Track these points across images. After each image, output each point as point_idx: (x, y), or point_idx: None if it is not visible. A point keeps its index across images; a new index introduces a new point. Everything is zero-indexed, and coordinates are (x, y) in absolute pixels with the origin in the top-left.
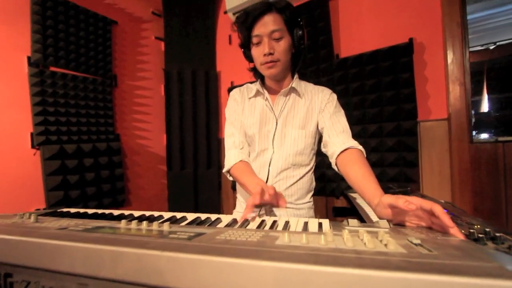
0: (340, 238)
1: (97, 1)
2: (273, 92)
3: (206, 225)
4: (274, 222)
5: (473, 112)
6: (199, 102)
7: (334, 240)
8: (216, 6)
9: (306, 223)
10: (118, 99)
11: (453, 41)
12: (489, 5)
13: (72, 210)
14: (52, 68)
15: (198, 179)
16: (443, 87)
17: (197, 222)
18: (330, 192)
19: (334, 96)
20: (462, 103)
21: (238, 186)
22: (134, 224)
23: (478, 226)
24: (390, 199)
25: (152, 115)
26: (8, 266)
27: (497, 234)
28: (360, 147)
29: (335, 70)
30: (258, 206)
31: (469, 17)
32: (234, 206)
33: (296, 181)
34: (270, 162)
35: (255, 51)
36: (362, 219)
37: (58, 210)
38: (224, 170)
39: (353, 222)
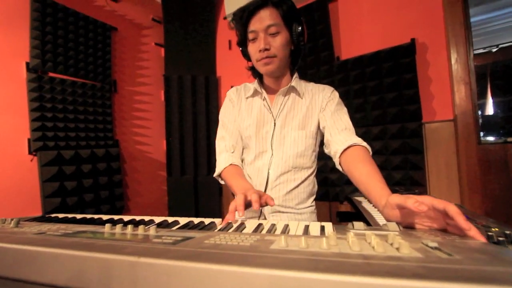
0: (344, 241)
1: (97, 8)
2: (271, 91)
3: (198, 229)
4: (273, 225)
5: (479, 113)
6: (199, 107)
7: (337, 244)
8: (216, 12)
9: (307, 227)
10: (118, 105)
11: (456, 41)
12: (490, 8)
13: (61, 215)
14: (51, 74)
15: (198, 185)
16: (448, 87)
17: (189, 226)
18: (334, 197)
19: (336, 94)
20: (468, 103)
21: None
22: (118, 228)
23: (496, 229)
24: (398, 199)
25: (152, 120)
26: None
27: None
28: (365, 143)
29: (336, 73)
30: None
31: (471, 19)
32: None
33: (297, 185)
34: (269, 165)
35: (251, 48)
36: (369, 223)
37: (47, 216)
38: (214, 175)
39: (359, 225)
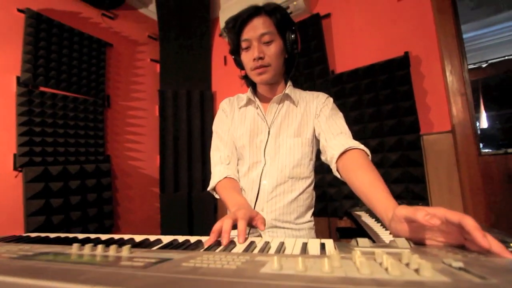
0: (350, 262)
1: (93, 25)
2: (265, 100)
3: (181, 249)
4: (266, 243)
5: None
6: (194, 123)
7: (342, 266)
8: (211, 29)
9: (305, 244)
10: (111, 120)
11: (449, 53)
12: (479, 26)
13: (34, 235)
14: (42, 88)
15: (192, 202)
16: (444, 98)
17: (172, 245)
18: (332, 212)
19: (330, 99)
20: (466, 114)
21: None
22: (87, 248)
23: None
24: (405, 211)
25: (145, 135)
26: None
27: None
28: (362, 146)
29: (332, 86)
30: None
31: None
32: None
33: (296, 197)
34: (261, 175)
35: (245, 56)
36: (373, 240)
37: (19, 235)
38: (208, 188)
39: (364, 242)
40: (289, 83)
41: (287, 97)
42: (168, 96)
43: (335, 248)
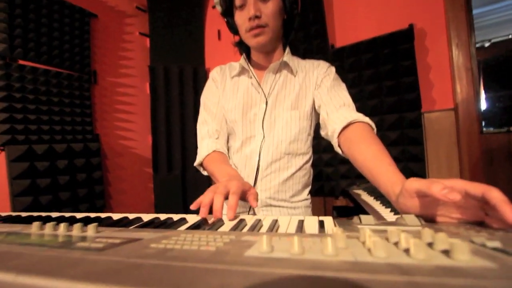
0: (357, 243)
1: None
2: (260, 68)
3: (161, 227)
4: (258, 221)
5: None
6: (187, 101)
7: (348, 247)
8: (204, 0)
9: (301, 222)
10: (98, 97)
11: (457, 25)
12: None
13: (4, 214)
14: (21, 62)
15: (186, 182)
16: (448, 74)
17: (151, 224)
18: (329, 192)
19: (332, 69)
20: (470, 90)
21: None
22: (48, 228)
23: None
24: (418, 184)
25: (136, 114)
26: None
27: None
28: (367, 119)
29: (331, 61)
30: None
31: None
32: None
33: (292, 174)
34: (260, 150)
35: (239, 16)
36: None
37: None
38: (195, 163)
39: (368, 219)
40: (288, 49)
41: (285, 65)
42: (159, 73)
43: (335, 226)
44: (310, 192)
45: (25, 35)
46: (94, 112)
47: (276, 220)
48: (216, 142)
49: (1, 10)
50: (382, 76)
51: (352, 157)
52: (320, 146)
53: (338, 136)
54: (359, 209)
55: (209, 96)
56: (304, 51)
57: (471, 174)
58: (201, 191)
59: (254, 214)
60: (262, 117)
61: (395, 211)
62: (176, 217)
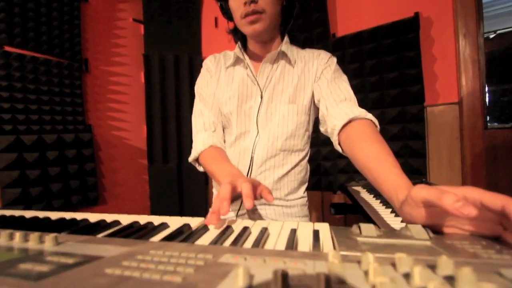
0: (357, 271)
1: None
2: (257, 58)
3: (134, 236)
4: (245, 229)
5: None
6: (182, 90)
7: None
8: None
9: (293, 232)
10: (90, 86)
11: (465, 14)
12: None
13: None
14: (7, 48)
15: (183, 174)
16: (454, 66)
17: (125, 231)
18: (327, 186)
19: (334, 59)
20: (476, 83)
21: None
22: (3, 238)
23: None
24: (426, 193)
25: (130, 104)
26: None
27: None
28: (370, 115)
29: (332, 51)
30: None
31: None
32: None
33: (287, 172)
34: (254, 147)
35: (234, 1)
36: (371, 221)
37: None
38: (190, 159)
39: (368, 229)
40: (286, 38)
41: (283, 55)
42: (154, 61)
43: (332, 238)
44: (307, 187)
45: (10, 20)
46: (86, 102)
47: (266, 229)
48: (212, 136)
49: None
50: (385, 68)
51: (353, 156)
52: (319, 139)
53: (338, 134)
54: (357, 207)
55: (203, 87)
56: (304, 40)
57: (473, 171)
58: (197, 183)
59: (247, 212)
60: (257, 112)
61: (396, 212)
62: (157, 220)
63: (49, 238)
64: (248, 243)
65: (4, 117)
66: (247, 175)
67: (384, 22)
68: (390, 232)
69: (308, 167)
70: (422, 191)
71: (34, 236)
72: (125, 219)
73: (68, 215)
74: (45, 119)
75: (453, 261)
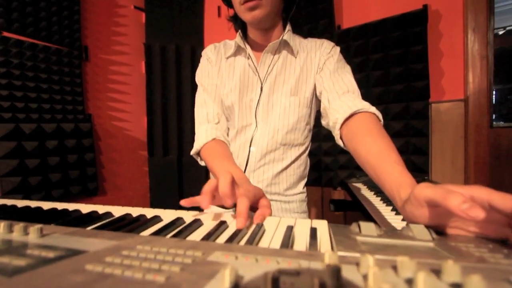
0: (354, 273)
1: None
2: (258, 47)
3: (124, 230)
4: None
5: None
6: (184, 81)
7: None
8: None
9: (290, 229)
10: (90, 75)
11: (475, 7)
12: None
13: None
14: (5, 33)
15: (183, 166)
16: (461, 62)
17: (116, 223)
18: (327, 182)
19: (337, 49)
20: (484, 80)
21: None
22: None
23: None
24: (430, 192)
25: (131, 94)
26: None
27: None
28: (373, 109)
29: (336, 43)
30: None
31: None
32: None
33: (287, 166)
34: (251, 141)
35: None
36: (371, 218)
37: None
38: (192, 152)
39: (368, 228)
40: (288, 26)
41: (285, 45)
42: (155, 51)
43: (330, 237)
44: (307, 182)
45: (8, 5)
46: (85, 91)
47: (262, 225)
48: (216, 128)
49: None
50: (390, 62)
51: (355, 151)
52: (320, 134)
53: (340, 128)
54: (357, 204)
55: (205, 77)
56: (308, 31)
57: (476, 170)
58: (197, 176)
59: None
60: (256, 104)
61: (397, 210)
62: (150, 213)
63: (33, 229)
64: (242, 241)
65: (3, 105)
66: (245, 168)
67: (391, 14)
68: (391, 231)
69: (308, 161)
70: (426, 190)
71: (18, 227)
72: (118, 211)
73: (60, 206)
74: (45, 107)
75: (459, 266)
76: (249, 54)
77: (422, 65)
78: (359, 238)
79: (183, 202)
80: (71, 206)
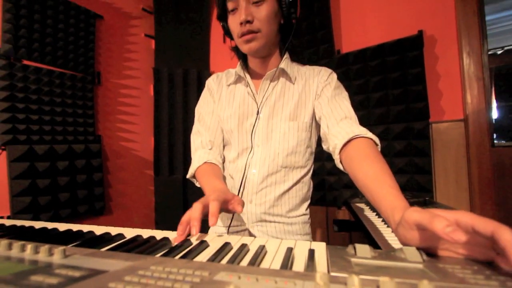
0: None
1: None
2: (257, 76)
3: (136, 251)
4: (243, 246)
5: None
6: (190, 104)
7: None
8: (210, 3)
9: (289, 251)
10: (102, 98)
11: (468, 32)
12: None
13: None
14: (25, 62)
15: (188, 186)
16: (458, 84)
17: (129, 245)
18: (331, 202)
19: (334, 76)
20: (481, 101)
21: None
22: (15, 249)
23: None
24: (418, 216)
25: (139, 116)
26: None
27: None
28: (370, 134)
29: (336, 67)
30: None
31: None
32: None
33: (289, 189)
34: (247, 164)
35: (232, 21)
36: (373, 240)
37: None
38: (188, 176)
39: (363, 250)
40: (286, 55)
41: (282, 72)
42: (163, 75)
43: (327, 260)
44: (312, 202)
45: (30, 36)
46: (96, 113)
47: (263, 247)
48: (208, 153)
49: (7, 10)
50: (389, 84)
51: (353, 175)
52: (323, 154)
53: (340, 152)
54: (359, 225)
55: (203, 106)
56: (310, 56)
57: (480, 189)
58: (201, 195)
59: (248, 229)
60: (252, 129)
61: None
62: (159, 235)
63: (58, 251)
64: (245, 261)
65: (19, 128)
66: (239, 190)
67: (388, 40)
68: (385, 253)
69: (311, 183)
70: (414, 214)
71: (44, 248)
72: (129, 233)
73: (75, 227)
74: (57, 129)
75: (433, 285)
76: (248, 82)
77: (421, 87)
78: (353, 259)
79: (176, 241)
80: (85, 228)
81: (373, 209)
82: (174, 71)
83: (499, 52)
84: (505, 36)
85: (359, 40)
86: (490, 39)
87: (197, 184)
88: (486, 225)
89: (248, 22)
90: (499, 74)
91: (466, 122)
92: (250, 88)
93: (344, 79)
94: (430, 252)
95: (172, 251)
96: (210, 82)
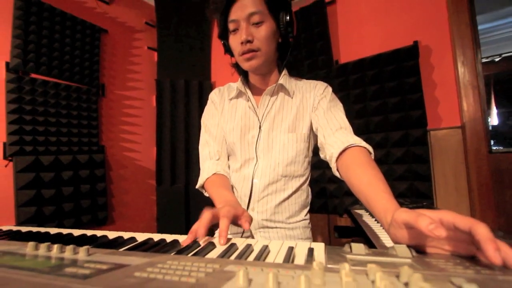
0: (336, 278)
1: (87, 9)
2: (257, 91)
3: (151, 250)
4: (248, 246)
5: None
6: (192, 113)
7: (324, 284)
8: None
9: (291, 249)
10: (106, 109)
11: (462, 42)
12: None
13: (6, 228)
14: (33, 75)
15: (190, 195)
16: (454, 92)
17: (143, 246)
18: (333, 209)
19: (329, 89)
20: (477, 108)
21: None
22: (42, 249)
23: None
24: (405, 215)
25: (142, 126)
26: None
27: None
28: (364, 143)
29: (335, 77)
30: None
31: None
32: None
33: (288, 196)
34: (253, 174)
35: (233, 40)
36: (371, 242)
37: None
38: (197, 186)
39: (358, 248)
40: (284, 71)
41: (281, 88)
42: (166, 86)
43: (324, 255)
44: (313, 210)
45: (38, 50)
46: (100, 124)
47: (267, 246)
48: (217, 164)
49: (17, 26)
50: (387, 93)
51: (349, 181)
52: (324, 162)
53: (336, 161)
54: (359, 230)
55: (209, 118)
56: (309, 67)
57: (480, 195)
58: (204, 205)
59: (251, 235)
60: (256, 142)
61: None
62: (169, 238)
63: (82, 249)
64: (251, 258)
65: (26, 139)
66: (249, 198)
67: (385, 50)
68: (378, 251)
69: (310, 190)
70: (403, 214)
71: (69, 248)
72: (140, 237)
73: (88, 232)
74: (63, 140)
75: (413, 270)
76: (249, 97)
77: (417, 95)
78: (349, 256)
79: (184, 242)
80: (98, 233)
81: (372, 214)
82: (176, 82)
83: (497, 59)
84: (502, 44)
85: (356, 51)
86: (487, 46)
87: (206, 194)
88: (465, 222)
89: (248, 41)
90: (498, 81)
91: (463, 129)
92: (251, 102)
93: (343, 88)
94: (419, 250)
95: (183, 250)
96: (213, 96)
